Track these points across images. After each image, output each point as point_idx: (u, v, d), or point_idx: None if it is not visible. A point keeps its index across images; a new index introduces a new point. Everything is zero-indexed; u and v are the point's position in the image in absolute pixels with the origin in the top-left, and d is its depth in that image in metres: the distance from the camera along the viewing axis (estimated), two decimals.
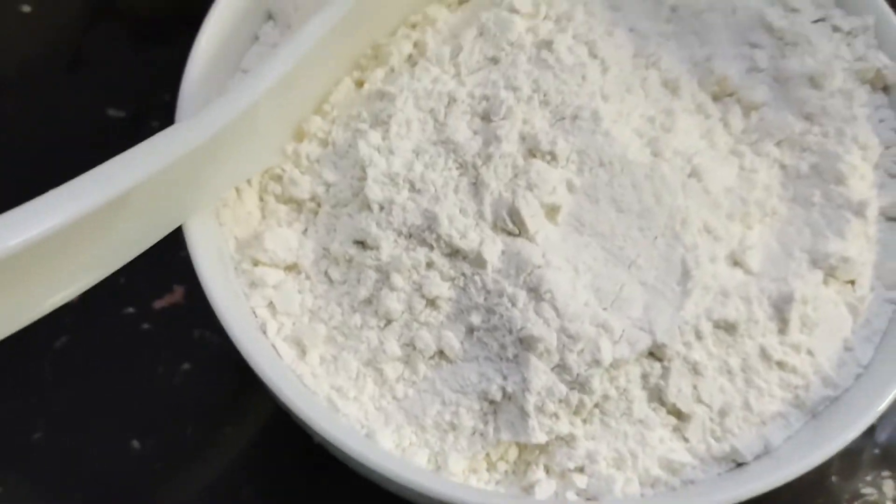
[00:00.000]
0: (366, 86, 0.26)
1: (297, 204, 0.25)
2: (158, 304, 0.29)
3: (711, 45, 0.27)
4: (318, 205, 0.25)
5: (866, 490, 0.31)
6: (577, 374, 0.22)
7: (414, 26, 0.27)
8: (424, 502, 0.22)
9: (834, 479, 0.31)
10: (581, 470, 0.23)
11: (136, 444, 0.27)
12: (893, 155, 0.27)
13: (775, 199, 0.26)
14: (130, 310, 0.29)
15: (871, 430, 0.31)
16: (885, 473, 0.31)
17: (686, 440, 0.23)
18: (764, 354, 0.24)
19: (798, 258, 0.25)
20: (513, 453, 0.23)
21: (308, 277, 0.24)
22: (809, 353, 0.24)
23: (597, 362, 0.22)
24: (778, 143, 0.27)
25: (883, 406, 0.22)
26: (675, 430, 0.23)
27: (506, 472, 0.23)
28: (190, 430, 0.27)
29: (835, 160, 0.26)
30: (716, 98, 0.27)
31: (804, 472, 0.22)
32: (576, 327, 0.22)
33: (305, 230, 0.25)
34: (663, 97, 0.26)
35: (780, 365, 0.24)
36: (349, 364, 0.23)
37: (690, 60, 0.27)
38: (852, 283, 0.25)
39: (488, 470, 0.23)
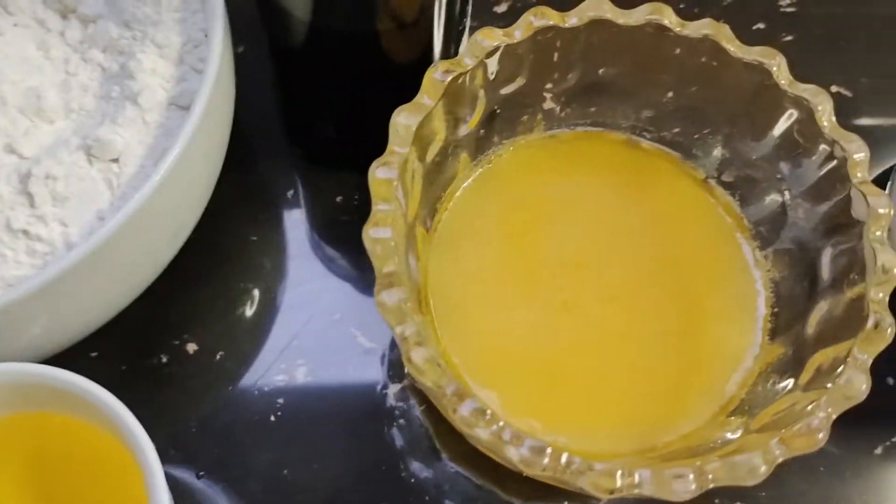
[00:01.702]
0: None
1: None
2: None
3: None
4: None
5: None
6: None
7: None
8: None
9: None
10: None
11: None
12: (200, 52, 0.29)
13: (90, 98, 0.29)
14: None
15: None
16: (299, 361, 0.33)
17: None
18: (9, 226, 0.26)
19: (71, 143, 0.27)
20: None
21: None
22: (62, 223, 0.26)
23: None
24: (104, 50, 0.29)
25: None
26: None
27: None
28: None
29: (130, 58, 0.28)
30: (63, 15, 0.30)
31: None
32: None
33: None
34: None
35: (27, 234, 0.26)
36: None
37: None
38: (117, 161, 0.27)
39: None
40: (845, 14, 0.42)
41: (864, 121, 0.39)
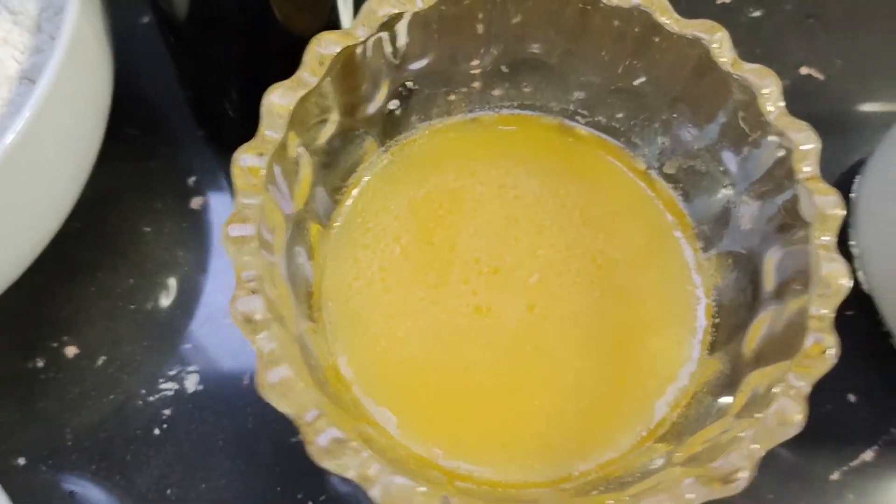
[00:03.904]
0: None
1: None
2: None
3: None
4: None
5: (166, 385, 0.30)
6: None
7: None
8: None
9: None
10: None
11: None
12: (61, 20, 0.26)
13: None
14: None
15: None
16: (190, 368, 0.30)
17: None
18: None
19: None
20: None
21: None
22: None
23: None
24: None
25: None
26: None
27: None
28: None
29: None
30: None
31: None
32: None
33: None
34: None
35: None
36: None
37: None
38: None
39: None
40: None
41: (837, 107, 0.35)
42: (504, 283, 0.26)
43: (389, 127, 0.28)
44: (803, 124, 0.23)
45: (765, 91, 0.23)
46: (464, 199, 0.28)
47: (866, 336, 0.30)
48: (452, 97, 0.28)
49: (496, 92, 0.29)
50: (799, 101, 0.34)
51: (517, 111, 0.29)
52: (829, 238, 0.22)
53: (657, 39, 0.25)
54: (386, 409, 0.25)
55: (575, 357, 0.25)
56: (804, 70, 0.36)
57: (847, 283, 0.21)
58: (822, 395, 0.28)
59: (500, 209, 0.27)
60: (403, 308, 0.26)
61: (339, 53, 0.24)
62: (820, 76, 0.36)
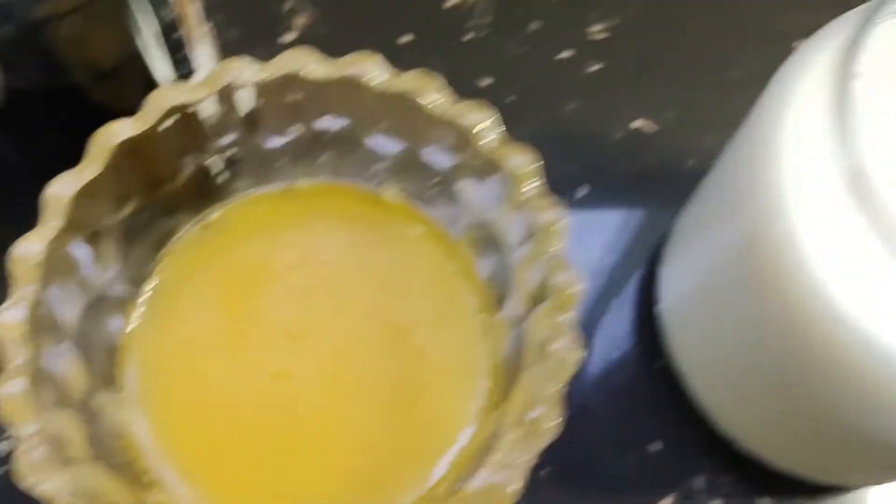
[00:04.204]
0: None
1: None
2: None
3: None
4: None
5: None
6: None
7: None
8: None
9: None
10: None
11: None
12: None
13: None
14: None
15: None
16: None
17: None
18: None
19: None
20: None
21: None
22: None
23: None
24: None
25: None
26: None
27: None
28: None
29: None
30: None
31: None
32: None
33: None
34: None
35: None
36: None
37: None
38: None
39: None
40: (661, 42, 0.40)
41: (666, 159, 0.37)
42: (304, 350, 0.28)
43: (202, 198, 0.29)
44: (552, 202, 0.25)
45: (522, 172, 0.25)
46: (272, 269, 0.29)
47: (674, 388, 0.31)
48: (267, 168, 0.30)
49: (305, 162, 0.30)
50: (630, 153, 0.36)
51: (331, 180, 0.31)
52: (564, 316, 0.23)
53: (428, 121, 0.26)
54: (181, 475, 0.26)
55: (364, 421, 0.27)
56: (637, 123, 0.37)
57: (575, 359, 0.23)
58: (626, 444, 0.30)
59: (307, 278, 0.29)
60: (206, 376, 0.28)
61: (125, 141, 0.25)
62: (651, 129, 0.37)
